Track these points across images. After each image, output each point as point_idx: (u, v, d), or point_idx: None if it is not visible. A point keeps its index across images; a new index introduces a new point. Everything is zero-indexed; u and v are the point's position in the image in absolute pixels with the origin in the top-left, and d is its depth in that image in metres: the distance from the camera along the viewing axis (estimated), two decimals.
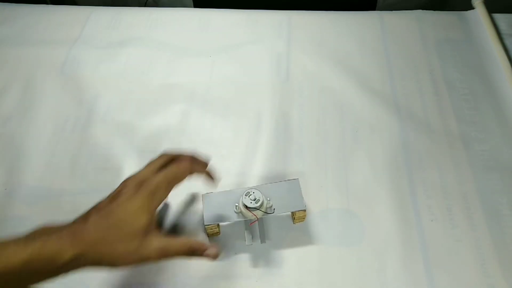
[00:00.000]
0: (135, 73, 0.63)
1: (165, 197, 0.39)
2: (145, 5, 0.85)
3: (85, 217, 0.36)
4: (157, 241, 0.37)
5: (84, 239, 0.34)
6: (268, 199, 0.44)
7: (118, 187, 0.39)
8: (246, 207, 0.43)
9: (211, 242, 0.46)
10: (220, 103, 0.59)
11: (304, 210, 0.45)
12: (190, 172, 0.41)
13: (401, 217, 0.48)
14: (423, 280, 0.43)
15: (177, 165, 0.40)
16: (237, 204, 0.44)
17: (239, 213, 0.44)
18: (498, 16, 0.68)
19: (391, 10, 0.71)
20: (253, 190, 0.44)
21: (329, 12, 0.71)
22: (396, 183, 0.50)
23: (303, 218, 0.47)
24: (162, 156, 0.42)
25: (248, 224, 0.45)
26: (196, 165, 0.42)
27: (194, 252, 0.38)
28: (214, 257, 0.39)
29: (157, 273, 0.45)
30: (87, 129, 0.56)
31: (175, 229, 0.47)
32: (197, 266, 0.45)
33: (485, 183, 0.50)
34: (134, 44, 0.66)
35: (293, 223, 0.47)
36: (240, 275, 0.44)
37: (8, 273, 0.31)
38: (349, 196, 0.50)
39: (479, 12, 0.68)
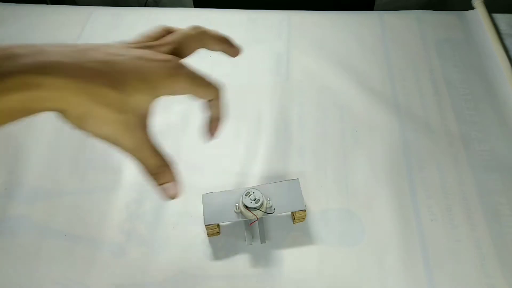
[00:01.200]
0: None
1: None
2: (145, 5, 0.85)
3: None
4: (139, 133, 0.30)
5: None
6: (268, 199, 0.44)
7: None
8: (246, 207, 0.43)
9: (211, 242, 0.46)
10: None
11: (304, 210, 0.45)
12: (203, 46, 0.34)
13: (401, 217, 0.48)
14: (423, 280, 0.43)
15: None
16: (237, 204, 0.44)
17: (239, 213, 0.44)
18: (498, 16, 0.68)
19: (389, 9, 0.71)
20: (253, 190, 0.44)
21: (329, 12, 0.71)
22: (396, 183, 0.50)
23: (303, 218, 0.47)
24: (163, 29, 0.35)
25: (248, 224, 0.45)
26: (208, 40, 0.35)
27: (152, 176, 0.33)
28: (170, 196, 0.33)
29: (156, 273, 0.45)
30: None
31: (175, 229, 0.47)
32: (197, 266, 0.45)
33: (485, 183, 0.50)
34: None
35: (293, 223, 0.47)
36: (240, 275, 0.44)
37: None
38: (349, 196, 0.50)
39: (479, 12, 0.68)
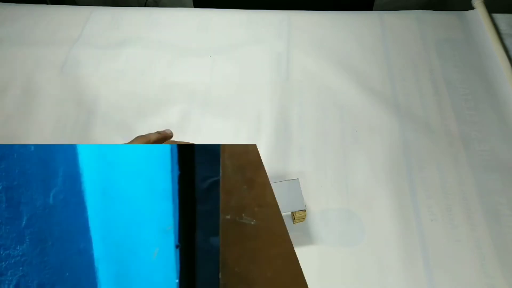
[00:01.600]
0: (135, 73, 0.63)
1: None
2: (145, 5, 0.85)
3: None
4: None
5: None
6: None
7: None
8: None
9: None
10: (220, 103, 0.59)
11: (304, 210, 0.45)
12: None
13: (401, 217, 0.48)
14: (423, 280, 0.43)
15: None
16: None
17: None
18: (498, 16, 0.68)
19: (389, 9, 0.71)
20: None
21: (329, 12, 0.71)
22: (396, 183, 0.50)
23: (303, 218, 0.47)
24: (137, 139, 0.42)
25: None
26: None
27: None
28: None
29: None
30: (87, 129, 0.56)
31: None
32: None
33: (485, 183, 0.50)
34: (134, 44, 0.66)
35: (293, 223, 0.47)
36: None
37: None
38: (349, 196, 0.50)
39: (479, 12, 0.68)
